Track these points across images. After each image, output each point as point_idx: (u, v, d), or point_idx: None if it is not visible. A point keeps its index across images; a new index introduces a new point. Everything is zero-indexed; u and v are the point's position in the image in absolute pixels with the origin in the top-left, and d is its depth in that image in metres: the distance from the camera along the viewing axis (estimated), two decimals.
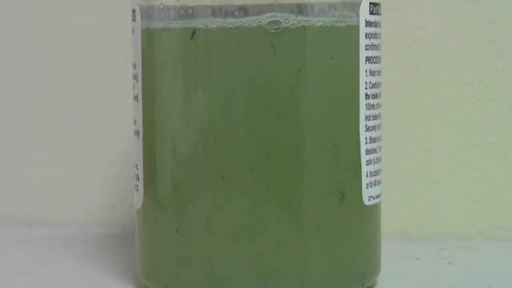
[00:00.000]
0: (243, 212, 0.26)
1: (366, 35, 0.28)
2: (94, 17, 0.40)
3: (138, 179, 0.29)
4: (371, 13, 0.28)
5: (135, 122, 0.29)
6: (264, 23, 0.26)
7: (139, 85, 0.28)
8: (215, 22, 0.26)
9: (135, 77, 0.29)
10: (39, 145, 0.41)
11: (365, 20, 0.27)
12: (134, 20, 0.29)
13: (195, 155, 0.27)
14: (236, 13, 0.26)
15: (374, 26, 0.28)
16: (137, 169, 0.29)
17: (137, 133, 0.29)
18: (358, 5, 0.27)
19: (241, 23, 0.26)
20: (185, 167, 0.27)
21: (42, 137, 0.41)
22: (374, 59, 0.28)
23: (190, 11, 0.26)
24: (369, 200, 0.28)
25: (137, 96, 0.29)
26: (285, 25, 0.26)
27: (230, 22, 0.26)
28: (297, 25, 0.26)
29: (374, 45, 0.28)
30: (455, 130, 0.37)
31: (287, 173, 0.26)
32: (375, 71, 0.28)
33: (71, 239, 0.37)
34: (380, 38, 0.29)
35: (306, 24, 0.26)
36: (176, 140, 0.27)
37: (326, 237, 0.27)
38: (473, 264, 0.33)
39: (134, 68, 0.29)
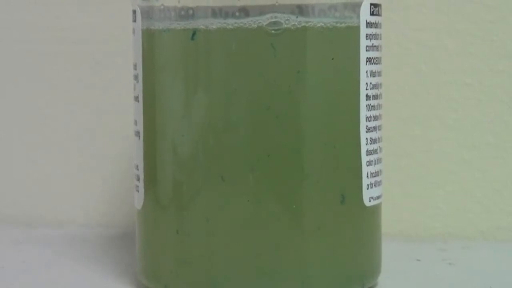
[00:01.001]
0: (243, 212, 0.26)
1: (366, 36, 0.27)
2: (94, 17, 0.40)
3: (138, 180, 0.29)
4: (372, 14, 0.28)
5: (135, 123, 0.29)
6: (265, 24, 0.26)
7: (140, 85, 0.28)
8: (216, 23, 0.26)
9: (135, 77, 0.29)
10: (39, 145, 0.41)
11: (366, 21, 0.27)
12: (134, 21, 0.29)
13: (196, 156, 0.27)
14: (237, 14, 0.26)
15: (375, 27, 0.28)
16: (138, 170, 0.29)
17: (137, 134, 0.29)
18: (358, 6, 0.27)
19: (242, 24, 0.26)
20: (186, 167, 0.27)
21: (42, 137, 0.41)
22: (375, 60, 0.28)
23: (191, 12, 0.26)
24: (370, 201, 0.28)
25: (137, 97, 0.29)
26: (285, 26, 0.26)
27: (231, 23, 0.26)
28: (298, 26, 0.26)
29: (375, 46, 0.28)
30: (455, 131, 0.37)
31: (287, 174, 0.26)
32: (375, 72, 0.28)
33: (71, 239, 0.37)
34: (380, 39, 0.29)
35: (307, 25, 0.26)
36: (176, 141, 0.27)
37: (326, 238, 0.27)
38: (473, 265, 0.33)
39: (135, 68, 0.29)
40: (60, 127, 0.40)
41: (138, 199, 0.29)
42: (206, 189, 0.27)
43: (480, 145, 0.37)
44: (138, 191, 0.29)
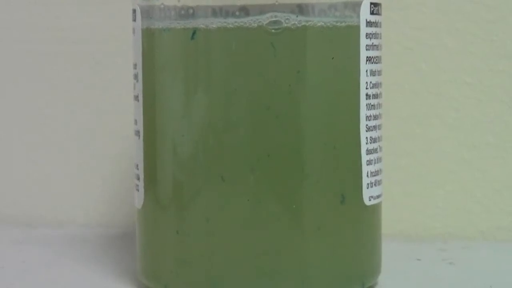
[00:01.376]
0: (243, 212, 0.26)
1: (366, 35, 0.28)
2: (94, 17, 0.40)
3: (138, 179, 0.29)
4: (372, 13, 0.28)
5: (135, 122, 0.29)
6: (265, 23, 0.26)
7: (140, 85, 0.28)
8: (216, 22, 0.26)
9: (135, 77, 0.29)
10: (39, 145, 0.41)
11: (366, 20, 0.27)
12: (134, 20, 0.29)
13: (196, 156, 0.27)
14: (237, 13, 0.26)
15: (375, 26, 0.28)
16: (138, 169, 0.29)
17: (137, 133, 0.29)
18: (359, 5, 0.27)
19: (242, 23, 0.26)
20: (186, 167, 0.27)
21: (42, 137, 0.41)
22: (375, 59, 0.28)
23: (191, 11, 0.26)
24: (370, 200, 0.28)
25: (137, 96, 0.29)
26: (285, 25, 0.26)
27: (231, 22, 0.26)
28: (298, 25, 0.26)
29: (375, 45, 0.28)
30: (455, 130, 0.37)
31: (287, 174, 0.26)
32: (375, 71, 0.28)
33: (71, 239, 0.37)
34: (380, 38, 0.29)
35: (307, 24, 0.26)
36: (176, 140, 0.27)
37: (326, 238, 0.27)
38: (473, 264, 0.33)
39: (135, 68, 0.29)
40: (60, 127, 0.40)
41: (138, 199, 0.29)
42: (206, 189, 0.26)
43: (480, 145, 0.37)
44: (138, 190, 0.29)
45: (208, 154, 0.26)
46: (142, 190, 0.28)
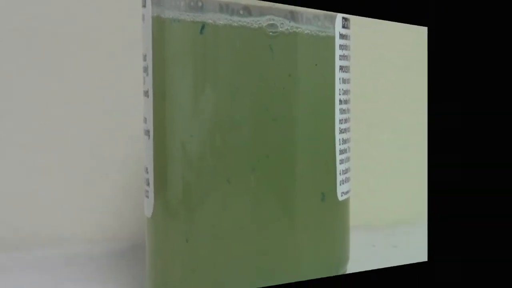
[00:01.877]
0: (245, 213, 0.26)
1: (340, 46, 0.29)
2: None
3: (148, 184, 0.27)
4: (343, 26, 0.29)
5: (145, 120, 0.27)
6: (264, 25, 0.26)
7: (150, 79, 0.27)
8: (223, 19, 0.26)
9: (145, 70, 0.27)
10: (39, 147, 0.39)
11: (339, 32, 0.29)
12: (144, 6, 0.27)
13: (204, 157, 0.26)
14: (241, 11, 0.26)
15: (346, 39, 0.29)
16: (147, 173, 0.27)
17: (147, 132, 0.27)
18: (334, 18, 0.28)
19: (245, 23, 0.26)
20: (195, 169, 0.26)
21: (40, 139, 0.39)
22: (345, 69, 0.29)
23: (200, 4, 0.26)
24: (342, 195, 0.29)
25: (147, 92, 0.27)
26: (280, 29, 0.26)
27: (235, 20, 0.26)
28: (290, 30, 0.27)
29: (346, 56, 0.29)
30: (401, 134, 0.41)
31: (283, 175, 0.27)
32: (346, 79, 0.30)
33: (70, 259, 0.34)
34: (349, 50, 0.30)
35: (297, 31, 0.27)
36: (185, 141, 0.26)
37: (312, 234, 0.28)
38: (412, 245, 0.36)
39: (144, 60, 0.27)
40: (60, 128, 0.39)
41: (148, 206, 0.27)
42: (214, 192, 0.26)
43: (417, 146, 0.41)
44: (148, 197, 0.27)
45: (214, 155, 0.26)
46: (152, 195, 0.27)
